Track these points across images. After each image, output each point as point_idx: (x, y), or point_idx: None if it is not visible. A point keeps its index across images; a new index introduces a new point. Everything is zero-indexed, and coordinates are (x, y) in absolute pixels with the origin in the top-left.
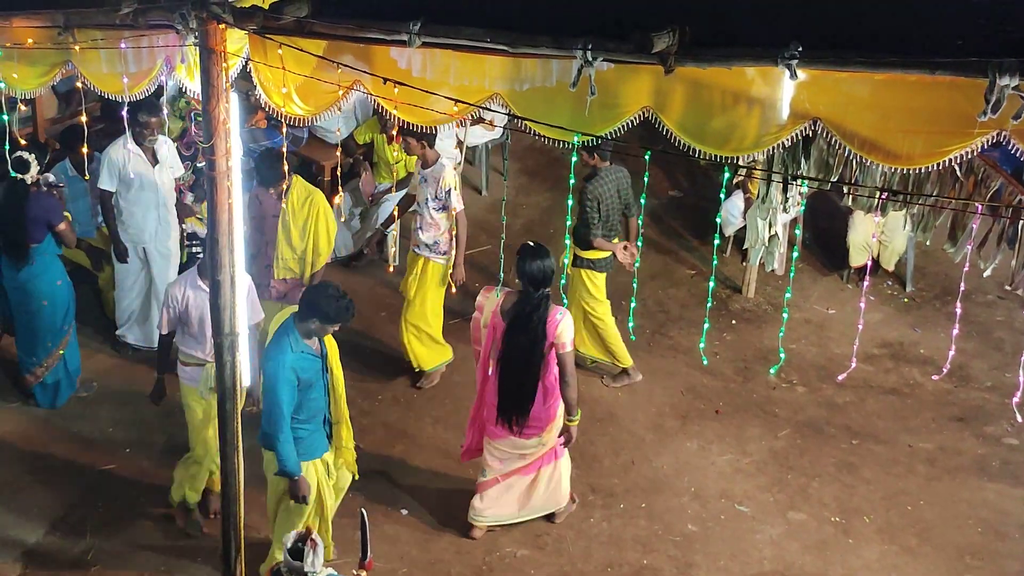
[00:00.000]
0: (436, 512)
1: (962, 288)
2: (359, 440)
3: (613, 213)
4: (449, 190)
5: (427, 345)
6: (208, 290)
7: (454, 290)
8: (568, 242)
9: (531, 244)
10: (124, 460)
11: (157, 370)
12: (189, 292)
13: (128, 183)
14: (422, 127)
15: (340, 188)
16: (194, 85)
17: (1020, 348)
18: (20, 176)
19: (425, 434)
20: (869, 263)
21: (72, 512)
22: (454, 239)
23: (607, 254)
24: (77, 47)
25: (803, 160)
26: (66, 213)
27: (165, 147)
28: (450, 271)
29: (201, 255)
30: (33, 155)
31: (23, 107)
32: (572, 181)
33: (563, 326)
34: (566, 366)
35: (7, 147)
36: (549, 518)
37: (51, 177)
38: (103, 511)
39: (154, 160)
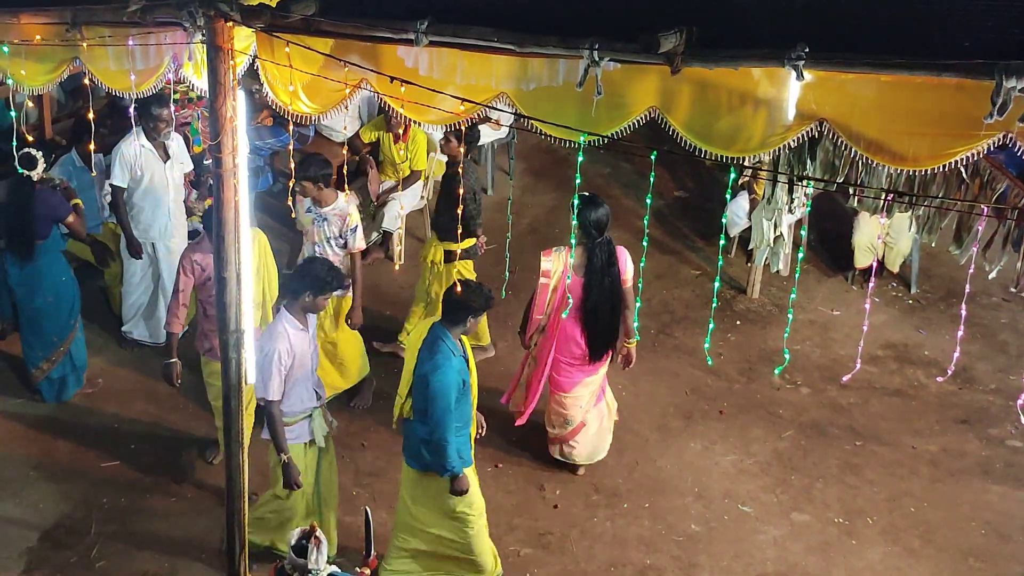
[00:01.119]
0: None
1: (967, 290)
2: (363, 438)
3: None
4: (356, 227)
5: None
6: (305, 327)
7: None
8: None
9: (586, 195)
10: (129, 457)
11: (280, 448)
12: (292, 337)
13: (139, 179)
14: (316, 170)
15: (346, 187)
16: (201, 82)
17: None
18: (27, 173)
19: None
20: (874, 264)
21: (76, 509)
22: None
23: (474, 241)
24: (85, 44)
25: (809, 161)
26: (77, 201)
27: (175, 142)
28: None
29: None
30: (40, 152)
31: (30, 104)
32: (578, 180)
33: (628, 262)
34: (629, 297)
35: (14, 143)
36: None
37: (56, 178)
38: (108, 508)
39: (165, 156)
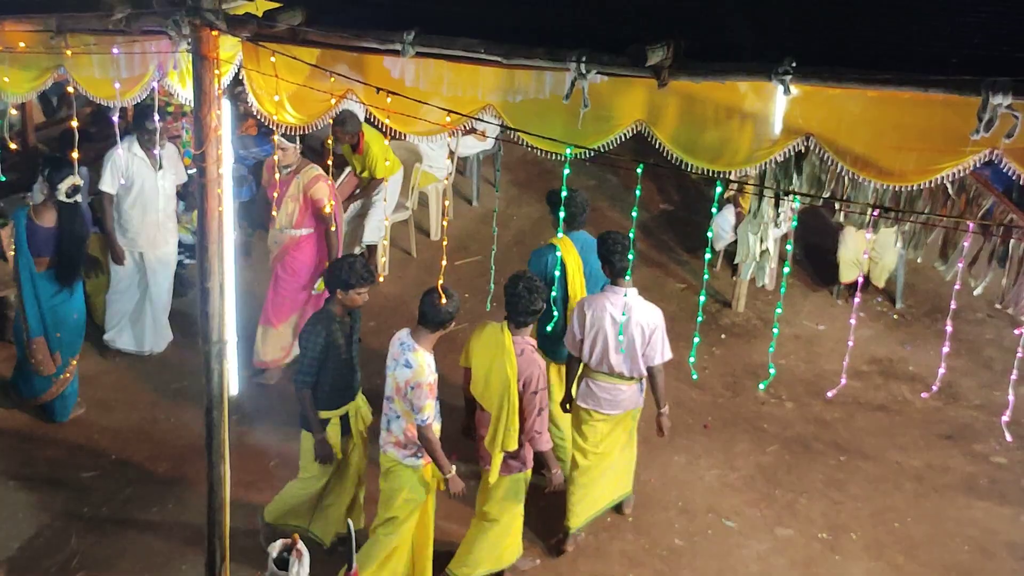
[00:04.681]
0: None
1: (952, 306)
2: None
3: None
4: None
5: None
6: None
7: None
8: None
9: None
10: (110, 467)
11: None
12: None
13: (129, 187)
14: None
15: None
16: (186, 92)
17: (1009, 366)
18: (76, 200)
19: None
20: (860, 279)
21: (56, 519)
22: None
23: None
24: (69, 52)
25: (795, 175)
26: None
27: (169, 153)
28: None
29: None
30: (79, 177)
31: (13, 112)
32: (564, 193)
33: None
34: None
35: None
36: None
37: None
38: (88, 518)
39: (158, 165)
